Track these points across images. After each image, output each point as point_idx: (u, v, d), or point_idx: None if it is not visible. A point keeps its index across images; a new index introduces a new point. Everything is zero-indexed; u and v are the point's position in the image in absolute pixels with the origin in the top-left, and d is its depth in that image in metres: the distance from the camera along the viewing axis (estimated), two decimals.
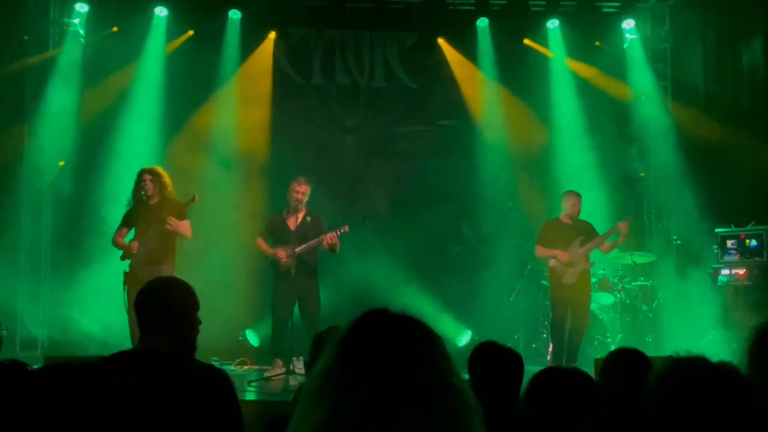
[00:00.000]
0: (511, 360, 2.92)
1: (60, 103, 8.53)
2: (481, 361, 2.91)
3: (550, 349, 7.63)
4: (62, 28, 8.85)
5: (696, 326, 7.40)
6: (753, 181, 7.84)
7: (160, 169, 6.66)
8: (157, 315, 2.47)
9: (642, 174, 9.27)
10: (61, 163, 8.58)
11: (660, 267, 8.60)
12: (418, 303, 8.11)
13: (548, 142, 9.28)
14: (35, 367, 2.78)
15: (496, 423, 2.74)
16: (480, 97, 9.42)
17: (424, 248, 8.99)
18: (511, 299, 8.65)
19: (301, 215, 7.15)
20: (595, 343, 7.96)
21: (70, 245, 8.29)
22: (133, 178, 6.63)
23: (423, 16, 9.28)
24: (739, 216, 7.69)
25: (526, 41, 9.38)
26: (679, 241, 8.52)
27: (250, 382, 6.35)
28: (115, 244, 6.61)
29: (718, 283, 7.50)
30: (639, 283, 8.32)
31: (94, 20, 8.87)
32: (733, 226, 7.62)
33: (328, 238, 6.94)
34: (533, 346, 8.39)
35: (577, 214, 7.39)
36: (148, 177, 6.53)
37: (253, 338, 8.36)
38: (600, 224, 7.61)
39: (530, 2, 9.29)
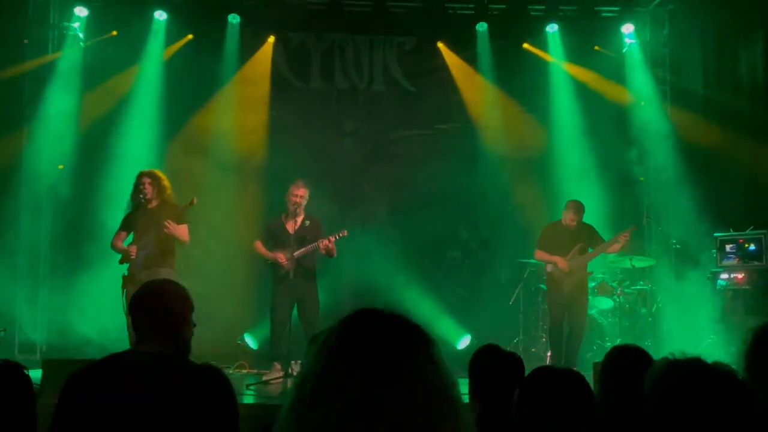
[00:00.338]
0: (512, 363, 2.93)
1: (59, 106, 8.55)
2: (482, 364, 2.92)
3: (549, 354, 7.63)
4: (62, 32, 8.86)
5: (695, 330, 7.39)
6: (752, 185, 7.84)
7: (159, 173, 6.65)
8: (151, 317, 2.48)
9: (641, 178, 9.27)
10: (61, 166, 8.58)
11: (659, 271, 8.60)
12: (417, 306, 8.10)
13: (547, 146, 9.28)
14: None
15: (497, 426, 2.75)
16: (479, 102, 9.43)
17: (422, 252, 9.00)
18: (510, 303, 8.65)
19: (299, 219, 7.15)
20: (594, 348, 7.95)
21: (69, 249, 8.29)
22: (132, 181, 6.61)
23: (422, 21, 9.30)
24: (738, 220, 7.69)
25: (526, 45, 9.40)
26: (678, 245, 8.51)
27: (248, 385, 6.33)
28: (114, 247, 6.60)
29: (717, 287, 7.49)
30: (638, 287, 8.32)
31: (94, 24, 8.89)
32: (731, 230, 7.62)
33: (325, 243, 6.94)
34: (532, 350, 8.40)
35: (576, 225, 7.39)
36: (147, 180, 6.50)
37: (251, 342, 8.36)
38: (599, 228, 7.61)
39: (529, 7, 9.31)
